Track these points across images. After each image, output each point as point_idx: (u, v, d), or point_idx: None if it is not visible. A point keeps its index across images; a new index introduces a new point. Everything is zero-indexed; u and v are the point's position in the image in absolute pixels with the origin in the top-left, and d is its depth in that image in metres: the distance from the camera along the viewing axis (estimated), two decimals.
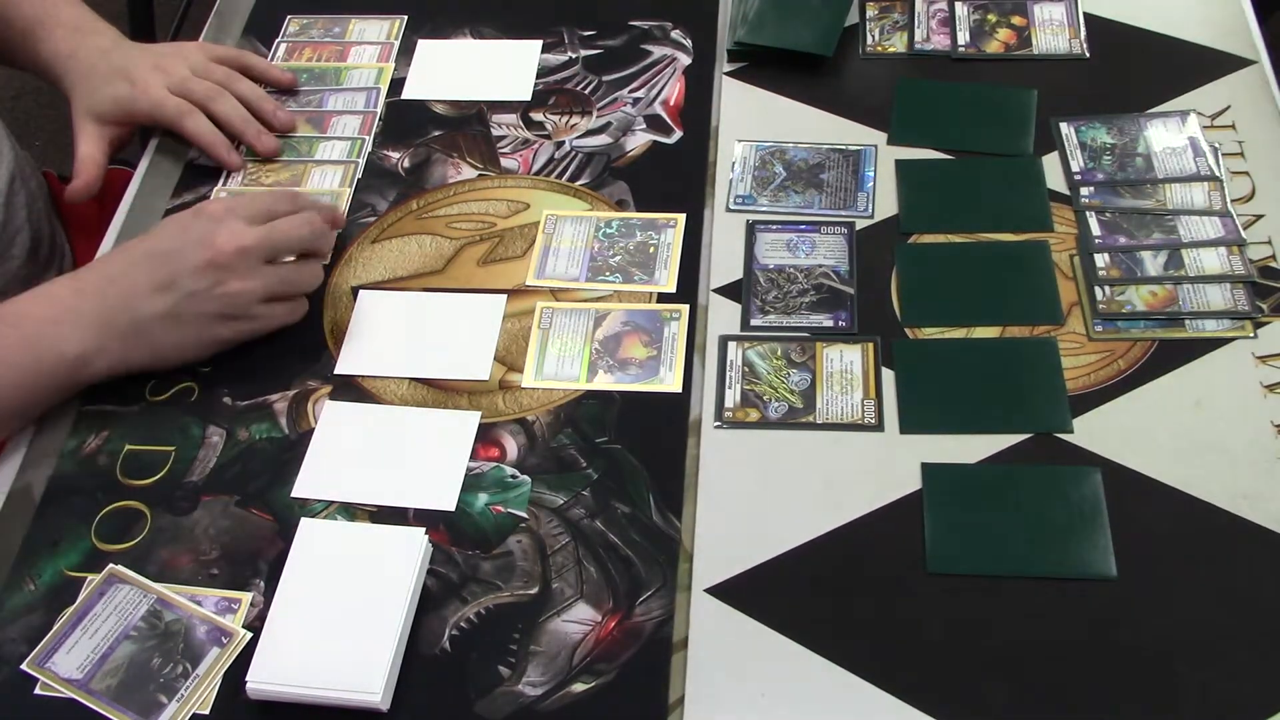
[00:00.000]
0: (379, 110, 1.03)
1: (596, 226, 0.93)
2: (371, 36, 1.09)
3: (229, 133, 0.99)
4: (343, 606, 0.72)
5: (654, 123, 1.00)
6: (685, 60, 1.05)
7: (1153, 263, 0.87)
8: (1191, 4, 1.04)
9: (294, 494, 0.80)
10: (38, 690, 0.73)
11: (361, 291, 0.91)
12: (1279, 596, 0.72)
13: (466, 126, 1.02)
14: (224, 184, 0.99)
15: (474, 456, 0.81)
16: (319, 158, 1.00)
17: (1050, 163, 0.94)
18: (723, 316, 0.87)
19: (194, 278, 0.82)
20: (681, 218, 0.93)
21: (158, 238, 0.85)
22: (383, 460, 0.82)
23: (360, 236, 0.95)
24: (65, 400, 0.85)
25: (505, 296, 0.90)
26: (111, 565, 0.77)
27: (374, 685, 0.69)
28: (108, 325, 0.82)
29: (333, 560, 0.75)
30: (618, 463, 0.81)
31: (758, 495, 0.79)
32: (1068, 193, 0.92)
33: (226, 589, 0.76)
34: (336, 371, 0.87)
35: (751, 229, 0.92)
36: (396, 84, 1.05)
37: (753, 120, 0.99)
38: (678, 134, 0.99)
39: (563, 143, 0.99)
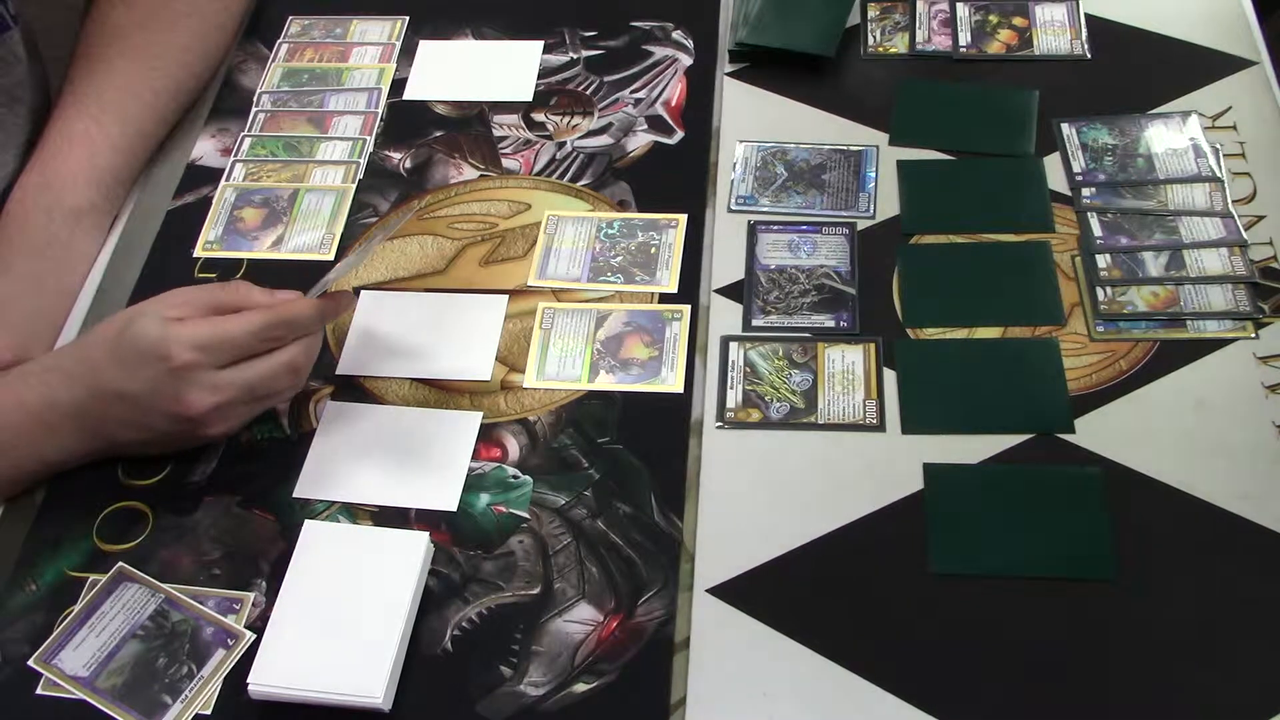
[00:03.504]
0: (380, 111, 1.03)
1: (598, 227, 0.93)
2: (373, 37, 1.09)
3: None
4: (345, 608, 0.72)
5: (655, 123, 1.00)
6: (687, 61, 1.05)
7: (1154, 263, 0.87)
8: (1192, 4, 1.04)
9: (295, 494, 0.80)
10: (39, 690, 0.73)
11: (363, 292, 0.91)
12: (1279, 596, 0.72)
13: (468, 127, 1.02)
14: (228, 178, 0.99)
15: (476, 457, 0.81)
16: (320, 158, 1.00)
17: (1052, 163, 0.94)
18: (724, 317, 0.87)
19: (168, 424, 0.77)
20: (683, 218, 0.93)
21: (123, 375, 0.76)
22: (384, 460, 0.82)
23: (362, 238, 0.95)
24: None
25: (507, 297, 0.90)
26: (120, 564, 0.77)
27: (375, 686, 0.69)
28: (87, 440, 0.79)
29: (336, 562, 0.75)
30: (619, 463, 0.81)
31: (759, 495, 0.79)
32: (1069, 193, 0.92)
33: (228, 589, 0.76)
34: (338, 372, 0.87)
35: (753, 229, 0.92)
36: (398, 84, 1.05)
37: (754, 121, 0.99)
38: (679, 134, 0.99)
39: (564, 143, 1.00)
